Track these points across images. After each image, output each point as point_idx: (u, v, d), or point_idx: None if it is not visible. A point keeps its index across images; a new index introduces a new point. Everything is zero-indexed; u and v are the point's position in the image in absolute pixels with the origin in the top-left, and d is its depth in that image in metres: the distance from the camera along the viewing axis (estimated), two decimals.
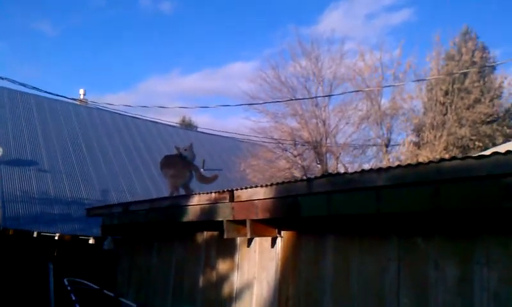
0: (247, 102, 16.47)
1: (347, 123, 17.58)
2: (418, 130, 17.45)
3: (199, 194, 3.94)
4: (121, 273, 6.03)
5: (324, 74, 17.54)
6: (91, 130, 15.38)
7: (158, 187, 12.83)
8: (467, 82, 17.11)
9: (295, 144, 17.38)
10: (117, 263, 6.23)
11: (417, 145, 16.92)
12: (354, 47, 26.60)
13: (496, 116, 17.67)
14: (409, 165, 2.18)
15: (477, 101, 17.05)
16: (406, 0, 43.94)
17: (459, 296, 2.25)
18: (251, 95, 17.27)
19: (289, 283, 3.33)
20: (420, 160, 13.30)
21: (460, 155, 2.34)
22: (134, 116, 16.77)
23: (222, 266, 4.11)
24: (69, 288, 5.55)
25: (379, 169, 2.31)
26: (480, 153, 2.19)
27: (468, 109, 16.84)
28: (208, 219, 3.75)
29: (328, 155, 17.41)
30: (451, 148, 16.40)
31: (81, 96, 17.70)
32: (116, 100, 61.70)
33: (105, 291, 5.39)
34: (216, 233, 4.18)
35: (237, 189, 3.41)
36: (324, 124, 17.10)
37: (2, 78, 11.24)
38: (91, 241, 10.11)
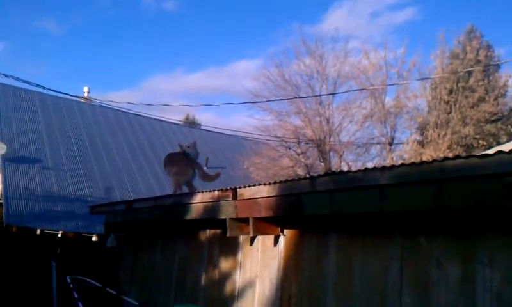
0: (251, 100, 16.45)
1: (350, 122, 17.53)
2: (422, 129, 17.41)
3: (202, 192, 3.94)
4: (124, 271, 6.04)
5: (328, 72, 17.48)
6: (95, 128, 15.39)
7: (161, 185, 12.84)
8: (471, 80, 17.07)
9: (298, 143, 17.34)
10: (120, 261, 6.24)
11: (421, 144, 16.88)
12: (358, 46, 26.42)
13: (500, 114, 17.61)
14: (412, 163, 2.18)
15: (482, 100, 17.01)
16: None
17: (462, 296, 2.24)
18: (255, 93, 17.23)
19: (292, 281, 3.32)
20: (424, 158, 13.29)
21: (464, 154, 2.33)
22: (137, 113, 16.81)
23: (224, 264, 4.11)
24: (71, 285, 5.56)
25: (383, 168, 2.30)
26: (484, 152, 2.18)
27: (472, 107, 16.80)
28: (211, 217, 3.75)
29: (331, 153, 17.37)
30: (455, 146, 16.36)
31: (85, 94, 17.71)
32: (120, 97, 61.56)
33: (108, 289, 5.40)
34: (218, 231, 4.18)
35: (240, 187, 3.41)
36: (328, 122, 17.05)
37: (7, 76, 11.28)
38: (94, 238, 10.12)
